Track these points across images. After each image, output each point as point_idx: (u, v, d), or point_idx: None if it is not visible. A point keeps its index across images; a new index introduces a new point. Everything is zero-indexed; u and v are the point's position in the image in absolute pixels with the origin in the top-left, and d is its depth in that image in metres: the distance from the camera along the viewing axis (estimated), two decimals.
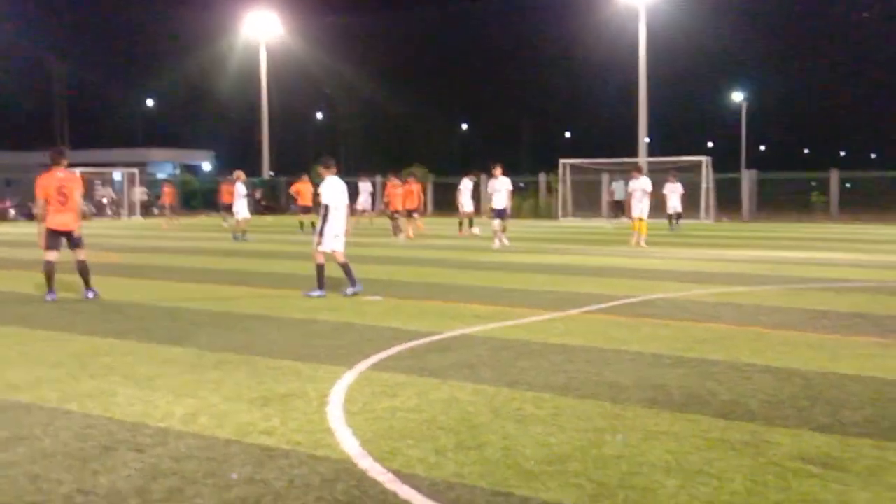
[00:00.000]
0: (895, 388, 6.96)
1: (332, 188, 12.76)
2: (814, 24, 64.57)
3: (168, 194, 38.55)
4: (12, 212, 45.84)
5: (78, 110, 75.03)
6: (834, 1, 59.17)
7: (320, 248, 12.81)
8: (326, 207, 12.69)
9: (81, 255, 12.49)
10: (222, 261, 19.36)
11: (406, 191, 27.40)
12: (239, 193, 26.94)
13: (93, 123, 74.97)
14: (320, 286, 12.83)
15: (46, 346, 8.97)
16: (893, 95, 75.26)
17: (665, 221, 31.78)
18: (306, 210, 30.00)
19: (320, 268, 12.88)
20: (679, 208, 32.47)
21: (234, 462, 5.25)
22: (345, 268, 12.88)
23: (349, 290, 12.77)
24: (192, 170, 62.46)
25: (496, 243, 22.40)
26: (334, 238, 12.78)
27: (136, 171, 49.59)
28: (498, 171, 22.89)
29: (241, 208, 26.82)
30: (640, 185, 23.05)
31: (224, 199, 34.41)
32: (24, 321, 10.58)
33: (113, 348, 8.80)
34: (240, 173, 27.95)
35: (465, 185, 30.32)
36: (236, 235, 26.40)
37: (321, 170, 13.20)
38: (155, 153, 61.73)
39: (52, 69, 73.00)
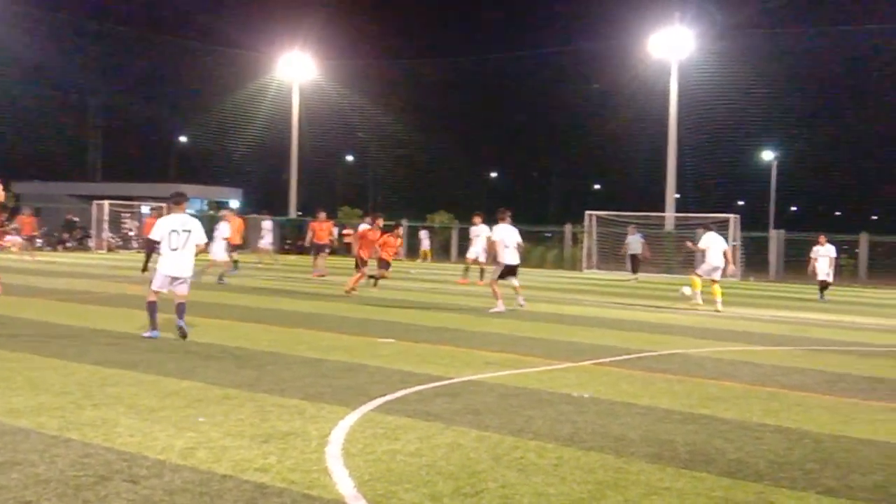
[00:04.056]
0: None
1: (165, 225, 11.90)
2: (850, 84, 64.45)
3: (26, 224, 35.03)
4: (39, 241, 46.25)
5: (111, 143, 76.06)
6: (869, 63, 59.19)
7: (153, 287, 11.94)
8: (149, 241, 11.94)
9: None
10: (238, 297, 19.40)
11: (362, 234, 22.33)
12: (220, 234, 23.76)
13: (125, 157, 75.85)
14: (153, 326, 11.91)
15: (54, 373, 8.97)
16: None
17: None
18: (319, 249, 29.81)
19: (151, 305, 11.91)
20: (829, 276, 26.51)
21: (227, 498, 5.18)
22: (179, 308, 11.89)
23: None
24: (220, 207, 62.92)
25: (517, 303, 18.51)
26: (165, 278, 11.91)
27: (163, 205, 49.99)
28: (506, 216, 18.63)
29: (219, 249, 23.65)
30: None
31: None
32: (35, 348, 10.60)
33: (120, 379, 8.78)
34: (226, 212, 25.85)
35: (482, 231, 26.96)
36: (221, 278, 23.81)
37: (170, 205, 12.35)
38: (183, 189, 62.22)
39: (88, 102, 74.15)
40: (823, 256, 26.38)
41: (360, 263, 21.49)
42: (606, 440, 6.91)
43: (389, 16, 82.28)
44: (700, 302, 20.73)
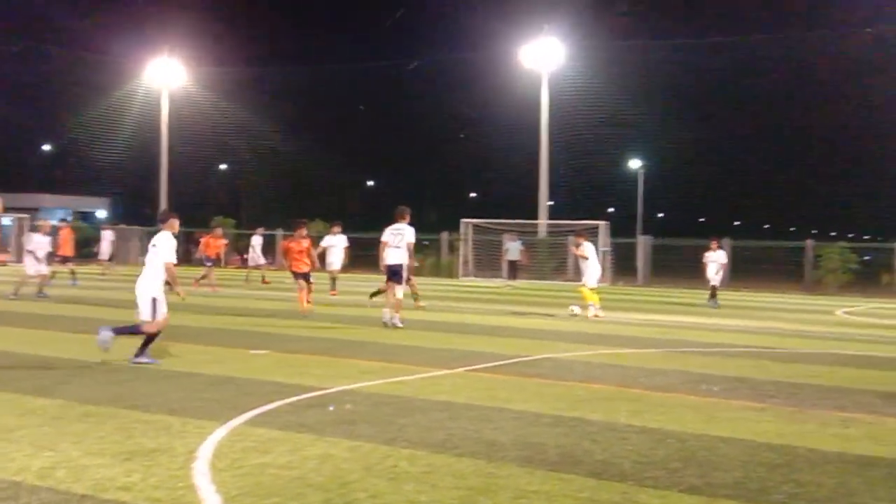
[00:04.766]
0: (766, 452, 7.06)
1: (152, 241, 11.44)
2: (712, 95, 67.36)
3: None
4: None
5: None
6: (732, 74, 61.96)
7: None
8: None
9: None
10: (103, 311, 18.75)
11: (285, 247, 20.82)
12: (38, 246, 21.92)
13: None
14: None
15: None
16: (785, 168, 78.56)
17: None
18: (214, 261, 28.95)
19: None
20: (716, 281, 26.38)
21: None
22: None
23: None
24: (87, 217, 60.94)
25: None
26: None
27: (27, 216, 48.04)
28: (405, 215, 16.75)
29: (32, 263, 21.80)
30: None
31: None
32: None
33: None
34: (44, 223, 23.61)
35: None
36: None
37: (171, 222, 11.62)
38: (47, 199, 60.06)
39: None
40: (713, 262, 26.21)
41: (296, 277, 19.56)
42: (478, 445, 6.96)
43: (262, 21, 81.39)
44: (601, 314, 20.13)
